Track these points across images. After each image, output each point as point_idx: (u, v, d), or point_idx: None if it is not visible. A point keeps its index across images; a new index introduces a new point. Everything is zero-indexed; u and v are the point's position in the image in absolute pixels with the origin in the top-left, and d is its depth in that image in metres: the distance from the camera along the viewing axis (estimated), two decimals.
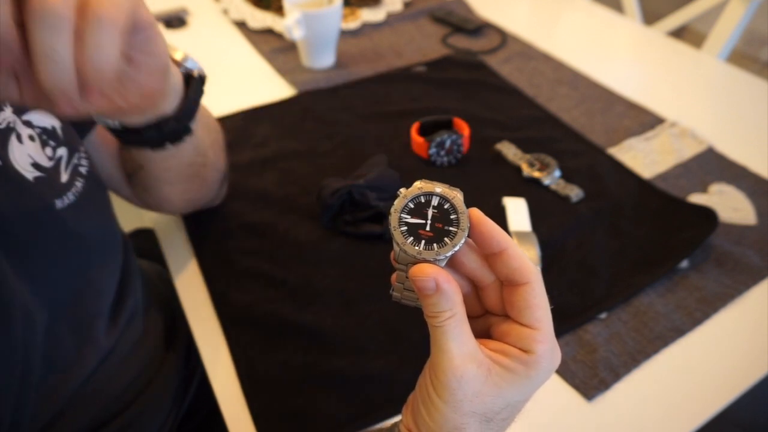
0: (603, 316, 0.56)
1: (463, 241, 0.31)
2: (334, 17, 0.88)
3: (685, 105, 0.84)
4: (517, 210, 0.65)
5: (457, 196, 0.32)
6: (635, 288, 0.57)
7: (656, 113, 0.82)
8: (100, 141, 0.56)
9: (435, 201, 0.33)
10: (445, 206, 0.32)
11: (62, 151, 0.46)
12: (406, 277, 0.32)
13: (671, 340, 0.53)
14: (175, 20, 1.05)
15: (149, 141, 0.48)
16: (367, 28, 1.05)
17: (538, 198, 0.68)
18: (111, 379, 0.51)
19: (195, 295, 0.59)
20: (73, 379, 0.47)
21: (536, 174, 0.70)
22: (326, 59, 0.93)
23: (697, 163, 0.74)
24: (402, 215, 0.32)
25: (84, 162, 0.49)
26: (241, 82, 0.90)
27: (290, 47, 0.97)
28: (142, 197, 0.60)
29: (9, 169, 0.41)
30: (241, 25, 1.05)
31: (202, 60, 0.53)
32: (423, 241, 0.32)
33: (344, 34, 1.01)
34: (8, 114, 0.42)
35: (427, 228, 0.32)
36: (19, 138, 0.42)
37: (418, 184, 0.33)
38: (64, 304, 0.45)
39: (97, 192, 0.50)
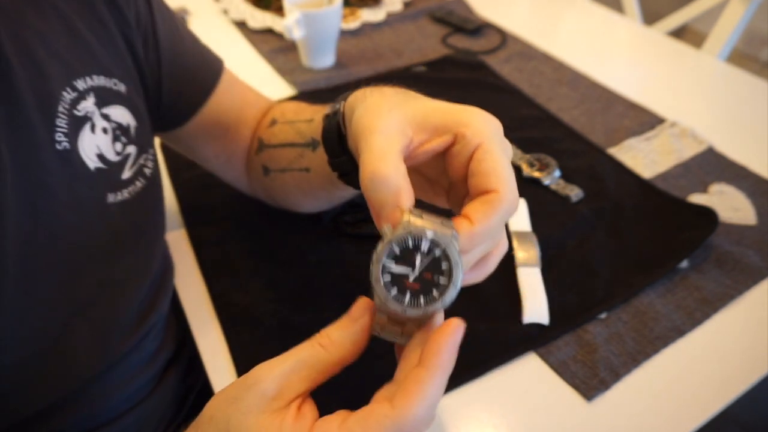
0: (603, 316, 0.56)
1: (453, 298, 0.28)
2: (334, 17, 0.88)
3: (685, 105, 0.84)
4: (517, 210, 0.65)
5: (451, 242, 0.28)
6: (635, 288, 0.57)
7: (656, 113, 0.82)
8: (202, 128, 0.57)
9: (425, 246, 0.28)
10: (437, 253, 0.28)
11: (132, 149, 0.47)
12: (387, 320, 0.31)
13: (671, 340, 0.53)
14: (179, 19, 1.04)
15: None
16: (367, 28, 1.05)
17: (538, 198, 0.68)
18: (119, 385, 0.50)
19: (195, 296, 0.59)
20: (76, 378, 0.46)
21: (536, 174, 0.70)
22: (326, 59, 0.93)
23: (697, 163, 0.73)
24: (386, 262, 0.29)
25: (150, 164, 0.49)
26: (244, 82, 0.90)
27: (290, 47, 0.97)
28: (269, 188, 0.60)
29: (74, 154, 0.42)
30: (241, 25, 1.05)
31: None
32: (408, 294, 0.28)
33: (344, 34, 1.01)
34: (90, 104, 0.43)
35: (413, 279, 0.28)
36: (93, 128, 0.43)
37: (405, 218, 0.29)
38: (83, 296, 0.45)
39: (154, 197, 0.51)
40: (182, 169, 0.71)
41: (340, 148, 0.43)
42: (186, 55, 0.55)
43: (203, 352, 0.54)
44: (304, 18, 0.85)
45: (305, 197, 0.56)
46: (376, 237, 0.30)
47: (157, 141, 0.61)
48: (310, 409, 0.31)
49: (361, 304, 0.32)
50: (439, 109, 0.34)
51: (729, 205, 0.67)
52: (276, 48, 0.98)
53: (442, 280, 0.28)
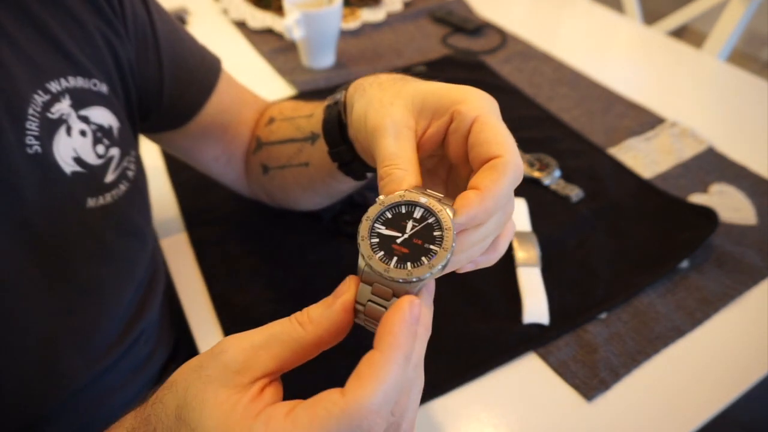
0: (603, 316, 0.56)
1: (444, 264, 0.26)
2: (334, 17, 0.88)
3: (685, 105, 0.84)
4: (517, 210, 0.65)
5: (444, 210, 0.27)
6: (635, 288, 0.57)
7: (656, 113, 0.82)
8: (202, 129, 0.57)
9: (418, 213, 0.28)
10: (429, 220, 0.27)
11: (115, 151, 0.46)
12: (371, 293, 0.28)
13: (671, 340, 0.53)
14: (175, 20, 1.04)
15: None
16: (367, 28, 1.05)
17: (538, 198, 0.68)
18: (110, 392, 0.49)
19: (195, 296, 0.59)
20: (62, 388, 0.45)
21: (536, 174, 0.70)
22: (326, 59, 0.93)
23: (697, 163, 0.73)
24: (375, 225, 0.28)
25: (132, 166, 0.48)
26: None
27: (290, 47, 0.97)
28: (269, 187, 0.59)
29: (48, 159, 0.41)
30: (241, 25, 1.05)
31: None
32: (395, 258, 0.27)
33: (344, 34, 1.01)
34: (64, 106, 0.42)
35: (402, 242, 0.27)
36: (68, 131, 0.42)
37: (400, 192, 0.29)
38: (64, 304, 0.44)
39: (138, 200, 0.50)
40: (182, 169, 0.71)
41: (340, 138, 0.43)
42: (186, 55, 0.55)
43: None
44: (304, 18, 0.85)
45: (305, 193, 0.56)
46: None
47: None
48: (273, 392, 0.28)
49: (347, 281, 0.30)
50: (435, 92, 0.34)
51: (729, 205, 0.67)
52: (276, 48, 0.98)
53: (434, 247, 0.27)
